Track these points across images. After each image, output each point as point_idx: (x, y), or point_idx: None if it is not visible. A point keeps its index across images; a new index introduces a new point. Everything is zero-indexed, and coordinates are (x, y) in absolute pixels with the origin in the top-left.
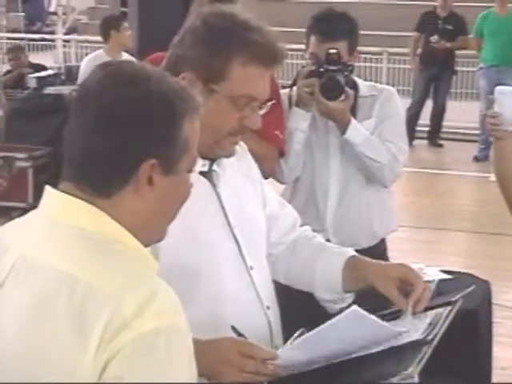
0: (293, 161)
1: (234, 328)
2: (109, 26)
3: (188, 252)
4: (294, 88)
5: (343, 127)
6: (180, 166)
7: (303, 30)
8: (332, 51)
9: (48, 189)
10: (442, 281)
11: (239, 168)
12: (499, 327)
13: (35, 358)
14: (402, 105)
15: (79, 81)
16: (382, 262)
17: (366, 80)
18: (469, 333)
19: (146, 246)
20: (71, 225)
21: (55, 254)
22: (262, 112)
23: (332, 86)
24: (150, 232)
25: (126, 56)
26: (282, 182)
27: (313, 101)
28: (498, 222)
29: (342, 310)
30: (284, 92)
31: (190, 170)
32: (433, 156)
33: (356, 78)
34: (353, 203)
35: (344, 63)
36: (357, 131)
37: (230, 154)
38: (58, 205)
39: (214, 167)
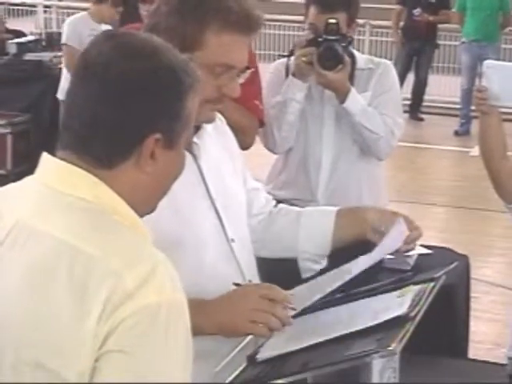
0: (286, 131)
1: (236, 284)
2: None
3: (170, 224)
4: (292, 58)
5: (343, 96)
6: (181, 141)
7: (297, 1)
8: (331, 21)
9: (45, 155)
10: (421, 255)
11: (218, 141)
12: (476, 302)
13: (33, 322)
14: (397, 79)
15: (63, 36)
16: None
17: None
18: (447, 307)
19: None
20: (70, 194)
21: (54, 222)
22: (241, 80)
23: (330, 55)
24: (145, 205)
25: (106, 26)
26: (274, 152)
27: (310, 70)
28: (477, 197)
29: (319, 273)
30: (281, 62)
31: (185, 145)
32: (413, 130)
33: (354, 51)
34: (344, 175)
35: (343, 34)
36: (356, 101)
37: (209, 121)
38: (56, 173)
39: (195, 139)
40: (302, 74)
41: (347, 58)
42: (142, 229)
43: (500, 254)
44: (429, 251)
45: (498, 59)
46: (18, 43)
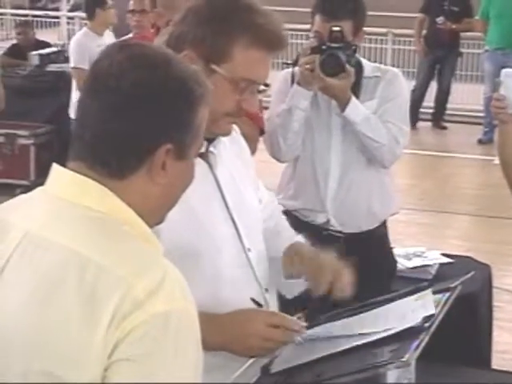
0: (291, 139)
1: (253, 300)
2: (94, 4)
3: (188, 234)
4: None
5: (343, 105)
6: (191, 152)
7: (301, 9)
8: (335, 29)
9: (55, 167)
10: (442, 264)
11: (232, 150)
12: (499, 311)
13: (42, 332)
14: (406, 86)
15: (71, 60)
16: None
17: (370, 61)
18: (469, 316)
19: None
20: (79, 204)
21: (63, 232)
22: (259, 95)
23: (332, 62)
24: (155, 215)
25: (109, 34)
26: (280, 161)
27: (314, 78)
28: (500, 205)
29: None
30: (288, 70)
31: (195, 156)
32: (437, 138)
33: (361, 59)
34: (354, 185)
35: (347, 42)
36: (356, 109)
37: (226, 133)
38: (67, 184)
39: (211, 148)
40: (307, 81)
41: (350, 67)
42: (152, 239)
43: None
44: (450, 260)
45: None
46: (40, 54)
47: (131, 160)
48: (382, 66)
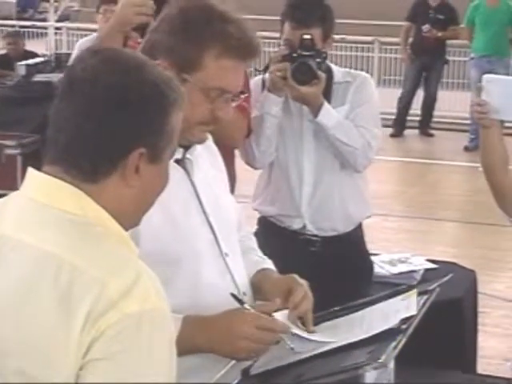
0: (264, 145)
1: (233, 295)
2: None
3: (168, 239)
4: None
5: (316, 111)
6: (165, 156)
7: (276, 18)
8: (306, 37)
9: (31, 170)
10: (427, 270)
11: (208, 158)
12: (485, 317)
13: (18, 333)
14: (375, 90)
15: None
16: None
17: (357, 69)
18: (453, 322)
19: None
20: (54, 206)
21: (38, 234)
22: (234, 104)
23: (304, 70)
24: (130, 218)
25: None
26: (254, 167)
27: (284, 85)
28: (487, 211)
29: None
30: (258, 78)
31: (170, 158)
32: (424, 146)
33: (331, 65)
34: (328, 189)
35: (317, 49)
36: (329, 114)
37: (201, 141)
38: (42, 187)
39: (188, 155)
40: (277, 88)
41: (321, 73)
42: (127, 241)
43: (510, 268)
44: (435, 266)
45: (508, 74)
46: (27, 65)
47: (105, 164)
48: (353, 71)
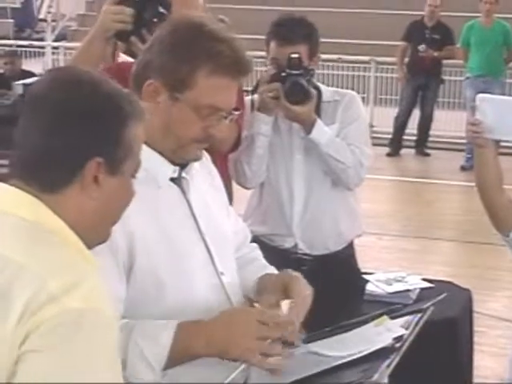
0: (255, 165)
1: None
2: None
3: (163, 258)
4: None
5: (309, 128)
6: (125, 168)
7: (258, 37)
8: (294, 55)
9: None
10: (423, 289)
11: (205, 177)
12: (481, 336)
13: None
14: (363, 108)
15: None
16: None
17: (353, 89)
18: (449, 341)
19: (89, 247)
20: (14, 214)
21: None
22: (227, 121)
23: (296, 90)
24: (94, 232)
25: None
26: (246, 187)
27: (277, 105)
28: (482, 231)
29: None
30: (248, 98)
31: (133, 176)
32: (420, 165)
33: (319, 84)
34: (319, 207)
35: (305, 67)
36: (322, 131)
37: (196, 159)
38: (2, 195)
39: (183, 174)
40: (267, 108)
41: (313, 91)
42: (84, 251)
43: (506, 288)
44: (431, 285)
45: (503, 94)
46: (24, 84)
47: (61, 174)
48: (340, 90)
